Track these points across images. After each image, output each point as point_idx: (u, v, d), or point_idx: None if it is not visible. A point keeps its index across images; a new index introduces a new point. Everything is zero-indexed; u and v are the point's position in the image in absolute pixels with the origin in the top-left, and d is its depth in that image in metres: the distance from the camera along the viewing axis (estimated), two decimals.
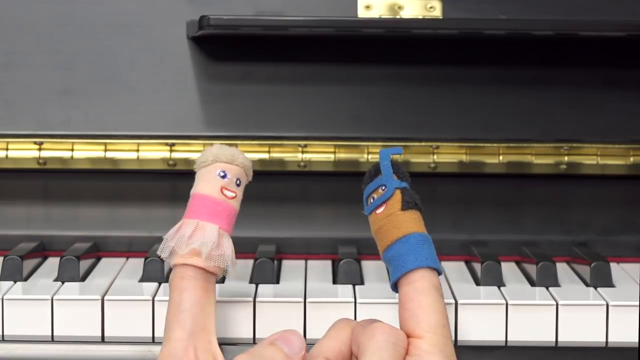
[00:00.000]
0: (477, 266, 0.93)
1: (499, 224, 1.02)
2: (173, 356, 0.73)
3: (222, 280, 0.90)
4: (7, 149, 1.01)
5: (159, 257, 0.91)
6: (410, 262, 0.74)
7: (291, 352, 0.71)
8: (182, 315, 0.74)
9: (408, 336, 0.72)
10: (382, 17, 1.02)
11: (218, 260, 0.76)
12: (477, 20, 1.01)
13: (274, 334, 0.73)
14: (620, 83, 1.03)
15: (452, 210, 1.03)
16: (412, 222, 0.76)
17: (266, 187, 1.02)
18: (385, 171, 0.78)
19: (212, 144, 0.80)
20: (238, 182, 0.79)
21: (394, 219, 0.76)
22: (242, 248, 0.98)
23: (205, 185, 0.78)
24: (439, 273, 0.75)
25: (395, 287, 0.75)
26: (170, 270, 0.93)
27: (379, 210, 0.77)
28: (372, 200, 0.78)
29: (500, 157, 1.02)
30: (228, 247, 0.77)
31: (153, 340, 0.84)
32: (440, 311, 0.72)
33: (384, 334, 0.70)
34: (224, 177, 0.78)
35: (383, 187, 0.78)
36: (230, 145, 1.01)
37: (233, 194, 0.78)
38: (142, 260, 0.92)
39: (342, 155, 1.02)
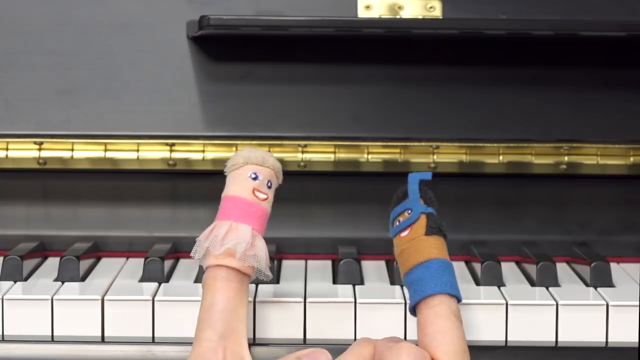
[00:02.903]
0: (477, 266, 0.93)
1: (499, 224, 1.02)
2: (203, 357, 0.73)
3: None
4: (7, 149, 1.01)
5: (160, 257, 0.91)
6: (430, 287, 0.74)
7: None
8: (214, 316, 0.74)
9: None
10: (382, 17, 1.02)
11: (252, 260, 0.76)
12: (477, 20, 1.01)
13: (302, 350, 0.72)
14: (620, 83, 1.03)
15: (452, 210, 1.03)
16: (434, 248, 0.76)
17: None
18: (412, 195, 0.79)
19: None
20: (269, 184, 0.79)
21: (417, 243, 0.76)
22: None
23: (237, 187, 0.78)
24: (459, 301, 0.75)
25: (413, 310, 0.75)
26: (170, 270, 0.94)
27: (403, 234, 0.77)
28: (397, 223, 0.78)
29: (500, 157, 1.02)
30: (261, 247, 0.77)
31: (153, 340, 0.84)
32: (460, 337, 0.72)
33: (410, 355, 0.70)
34: (255, 179, 0.78)
35: (409, 211, 0.78)
36: (230, 144, 1.01)
37: (265, 196, 0.79)
38: (142, 260, 0.92)
39: (342, 155, 1.02)
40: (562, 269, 0.96)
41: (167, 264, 0.92)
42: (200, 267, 0.81)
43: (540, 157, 1.02)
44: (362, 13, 1.02)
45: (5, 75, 1.01)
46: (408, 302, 0.76)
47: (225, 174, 0.80)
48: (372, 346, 0.72)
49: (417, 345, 0.72)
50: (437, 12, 1.02)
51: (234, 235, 0.76)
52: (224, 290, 0.75)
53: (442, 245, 0.77)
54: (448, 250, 0.99)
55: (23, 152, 1.01)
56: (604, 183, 1.03)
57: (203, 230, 0.78)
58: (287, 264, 0.98)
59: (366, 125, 1.02)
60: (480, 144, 1.02)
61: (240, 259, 0.75)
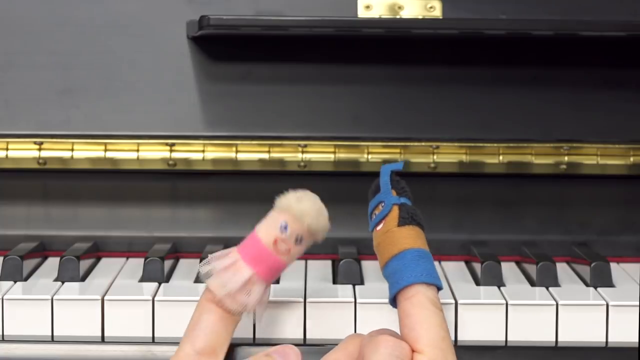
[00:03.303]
0: (477, 266, 0.93)
1: (499, 224, 1.02)
2: None
3: None
4: (7, 149, 1.01)
5: (160, 257, 0.91)
6: (405, 279, 0.74)
7: None
8: (196, 333, 0.75)
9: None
10: (382, 17, 1.02)
11: (237, 304, 0.75)
12: (477, 20, 1.01)
13: (271, 347, 0.74)
14: (620, 83, 1.03)
15: (452, 210, 1.03)
16: (408, 238, 0.76)
17: (266, 187, 1.02)
18: (384, 187, 0.79)
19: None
20: (299, 239, 0.77)
21: (390, 235, 0.76)
22: None
23: (265, 228, 0.76)
24: (439, 288, 0.75)
25: (393, 303, 0.75)
26: (170, 270, 0.94)
27: (379, 227, 0.77)
28: (374, 217, 0.79)
29: (500, 157, 1.02)
30: (254, 296, 0.76)
31: (153, 340, 0.84)
32: (438, 324, 0.72)
33: (388, 347, 0.70)
34: (284, 229, 0.76)
35: (382, 204, 0.78)
36: (229, 144, 1.01)
37: (287, 249, 0.76)
38: (142, 260, 0.92)
39: (342, 155, 1.02)
40: (562, 269, 0.96)
41: (167, 264, 0.92)
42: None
43: (540, 157, 1.02)
44: (362, 13, 1.02)
45: (5, 75, 1.01)
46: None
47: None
48: (359, 341, 0.73)
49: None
50: (437, 12, 1.02)
51: (232, 272, 0.75)
52: (211, 313, 0.76)
53: (417, 234, 0.76)
54: (448, 250, 1.00)
55: (23, 152, 1.01)
56: (604, 183, 1.03)
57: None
58: None
59: (366, 125, 1.02)
60: (480, 144, 1.02)
61: (226, 297, 0.75)
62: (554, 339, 0.85)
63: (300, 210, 0.76)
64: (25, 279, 0.91)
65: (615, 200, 1.03)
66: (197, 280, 0.91)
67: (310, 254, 1.00)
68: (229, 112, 1.02)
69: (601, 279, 0.91)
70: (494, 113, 1.03)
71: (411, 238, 0.76)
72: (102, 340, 0.84)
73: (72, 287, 0.88)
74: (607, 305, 0.85)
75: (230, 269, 0.76)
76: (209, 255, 0.77)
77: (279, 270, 0.77)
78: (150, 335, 0.84)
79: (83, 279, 0.91)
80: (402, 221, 0.76)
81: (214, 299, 0.76)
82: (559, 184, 1.04)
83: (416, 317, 0.72)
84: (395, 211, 0.77)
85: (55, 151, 1.01)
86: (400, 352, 0.70)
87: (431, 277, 0.74)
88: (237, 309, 0.76)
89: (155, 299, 0.85)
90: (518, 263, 0.99)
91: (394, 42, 1.03)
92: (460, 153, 1.02)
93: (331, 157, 1.02)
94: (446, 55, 1.03)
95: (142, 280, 0.90)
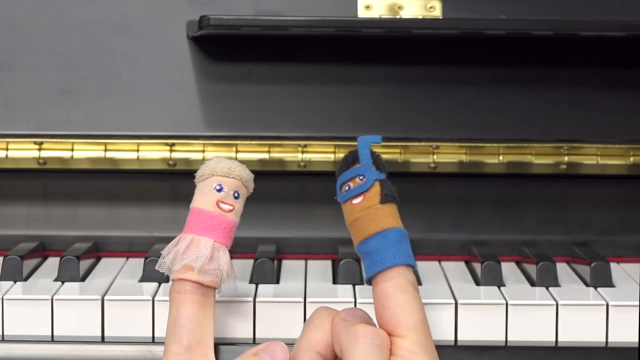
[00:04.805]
0: (477, 266, 0.93)
1: (499, 224, 1.02)
2: None
3: None
4: (7, 149, 1.01)
5: (159, 257, 0.91)
6: (388, 259, 0.73)
7: None
8: (179, 329, 0.75)
9: (388, 335, 0.72)
10: (382, 17, 1.02)
11: (213, 274, 0.76)
12: (477, 20, 1.01)
13: (258, 346, 0.73)
14: (620, 83, 1.03)
15: (452, 210, 1.03)
16: (390, 217, 0.75)
17: (266, 187, 1.01)
18: (365, 160, 0.77)
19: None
20: (236, 194, 0.79)
21: (373, 212, 0.75)
22: (242, 248, 0.98)
23: (202, 199, 0.78)
24: (415, 269, 0.75)
25: (369, 281, 0.75)
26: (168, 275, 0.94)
27: (356, 201, 0.76)
28: (347, 189, 0.77)
29: (500, 157, 1.02)
30: (223, 260, 0.77)
31: (153, 340, 0.84)
32: (419, 308, 0.72)
33: (368, 336, 0.70)
34: (220, 190, 0.78)
35: (361, 177, 0.77)
36: (230, 144, 1.01)
37: (230, 207, 0.78)
38: (142, 260, 0.92)
39: (342, 155, 1.02)
40: (562, 269, 0.96)
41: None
42: None
43: (540, 157, 1.02)
44: (362, 13, 1.02)
45: (5, 75, 1.01)
46: (364, 273, 0.75)
47: (195, 184, 0.80)
48: (330, 316, 0.73)
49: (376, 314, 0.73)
50: (437, 12, 1.02)
51: (194, 249, 0.76)
52: (188, 303, 0.76)
53: (397, 213, 0.76)
54: (448, 250, 1.00)
55: (23, 152, 1.01)
56: (604, 183, 1.03)
57: None
58: (287, 264, 0.98)
59: (366, 125, 1.02)
60: (480, 144, 1.02)
61: (199, 273, 0.76)
62: (554, 339, 0.85)
63: (223, 168, 0.78)
64: (25, 279, 0.91)
65: (615, 200, 1.04)
66: (142, 279, 0.90)
67: (310, 254, 1.01)
68: (229, 112, 1.02)
69: (601, 279, 0.91)
70: (494, 113, 1.03)
71: (393, 217, 0.75)
72: (102, 340, 0.84)
73: (72, 287, 0.88)
74: (607, 305, 0.85)
75: (190, 248, 0.76)
76: (161, 252, 0.78)
77: (232, 230, 0.78)
78: (150, 335, 0.84)
79: (83, 279, 0.91)
80: (385, 198, 0.75)
81: (184, 289, 0.76)
82: (559, 184, 1.04)
83: (397, 301, 0.72)
84: (377, 187, 0.76)
85: (55, 151, 1.01)
86: (380, 341, 0.70)
87: (411, 258, 0.74)
88: (214, 280, 0.76)
89: (156, 299, 0.85)
90: (518, 263, 0.99)
91: (394, 42, 1.03)
92: (460, 153, 1.02)
93: (331, 157, 1.02)
94: (446, 55, 1.03)
95: (142, 280, 0.90)
